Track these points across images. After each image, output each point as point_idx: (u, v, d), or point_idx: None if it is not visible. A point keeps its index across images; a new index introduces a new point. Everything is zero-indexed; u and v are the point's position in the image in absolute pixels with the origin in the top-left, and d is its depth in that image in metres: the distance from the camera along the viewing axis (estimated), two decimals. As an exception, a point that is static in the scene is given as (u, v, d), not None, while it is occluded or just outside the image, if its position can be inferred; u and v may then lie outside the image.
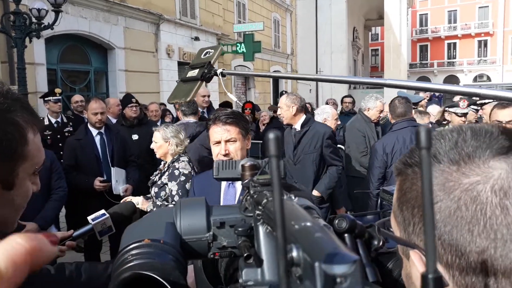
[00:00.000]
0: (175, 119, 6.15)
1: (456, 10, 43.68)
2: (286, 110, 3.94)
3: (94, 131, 4.14)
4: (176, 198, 2.90)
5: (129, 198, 3.18)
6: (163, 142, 3.11)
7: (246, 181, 0.63)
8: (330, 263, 0.31)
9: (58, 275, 1.11)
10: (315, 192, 3.84)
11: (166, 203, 2.94)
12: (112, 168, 4.09)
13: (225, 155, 2.02)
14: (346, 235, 0.62)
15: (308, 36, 23.91)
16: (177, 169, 3.00)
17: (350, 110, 7.72)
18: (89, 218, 2.00)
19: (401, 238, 0.56)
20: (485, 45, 42.72)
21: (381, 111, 5.03)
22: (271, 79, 19.56)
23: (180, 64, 12.49)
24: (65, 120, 5.44)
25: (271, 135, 0.29)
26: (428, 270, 0.28)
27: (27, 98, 5.69)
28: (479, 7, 42.37)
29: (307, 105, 6.84)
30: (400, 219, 0.56)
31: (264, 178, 0.58)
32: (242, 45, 14.57)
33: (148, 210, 2.87)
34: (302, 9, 23.88)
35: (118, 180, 4.04)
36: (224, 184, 2.06)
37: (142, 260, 0.51)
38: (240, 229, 0.58)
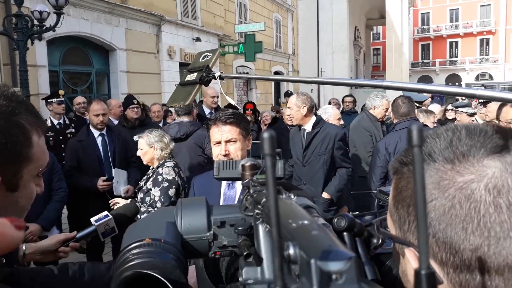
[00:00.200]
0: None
1: (458, 8, 43.50)
2: (297, 110, 3.78)
3: (96, 133, 4.15)
4: (159, 204, 2.88)
5: (117, 200, 3.22)
6: (148, 148, 3.08)
7: (246, 180, 0.63)
8: (325, 260, 0.32)
9: (61, 275, 1.11)
10: (324, 194, 3.73)
11: (150, 209, 2.91)
12: (113, 169, 4.11)
13: (225, 155, 2.01)
14: (345, 233, 0.62)
15: (310, 36, 23.86)
16: (161, 174, 2.98)
17: (351, 109, 7.77)
18: (92, 219, 2.01)
19: (396, 236, 0.57)
20: (487, 43, 42.53)
21: (387, 110, 4.92)
22: (272, 80, 19.50)
23: (181, 65, 12.49)
24: (67, 121, 5.44)
25: (266, 134, 0.29)
26: (421, 266, 0.29)
27: (30, 100, 5.71)
28: (481, 6, 42.19)
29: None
30: (396, 217, 0.56)
31: (263, 178, 0.59)
32: (244, 45, 14.58)
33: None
34: (304, 9, 23.87)
35: (119, 181, 4.05)
36: (224, 184, 2.05)
37: (143, 259, 0.51)
38: (240, 228, 0.58)
